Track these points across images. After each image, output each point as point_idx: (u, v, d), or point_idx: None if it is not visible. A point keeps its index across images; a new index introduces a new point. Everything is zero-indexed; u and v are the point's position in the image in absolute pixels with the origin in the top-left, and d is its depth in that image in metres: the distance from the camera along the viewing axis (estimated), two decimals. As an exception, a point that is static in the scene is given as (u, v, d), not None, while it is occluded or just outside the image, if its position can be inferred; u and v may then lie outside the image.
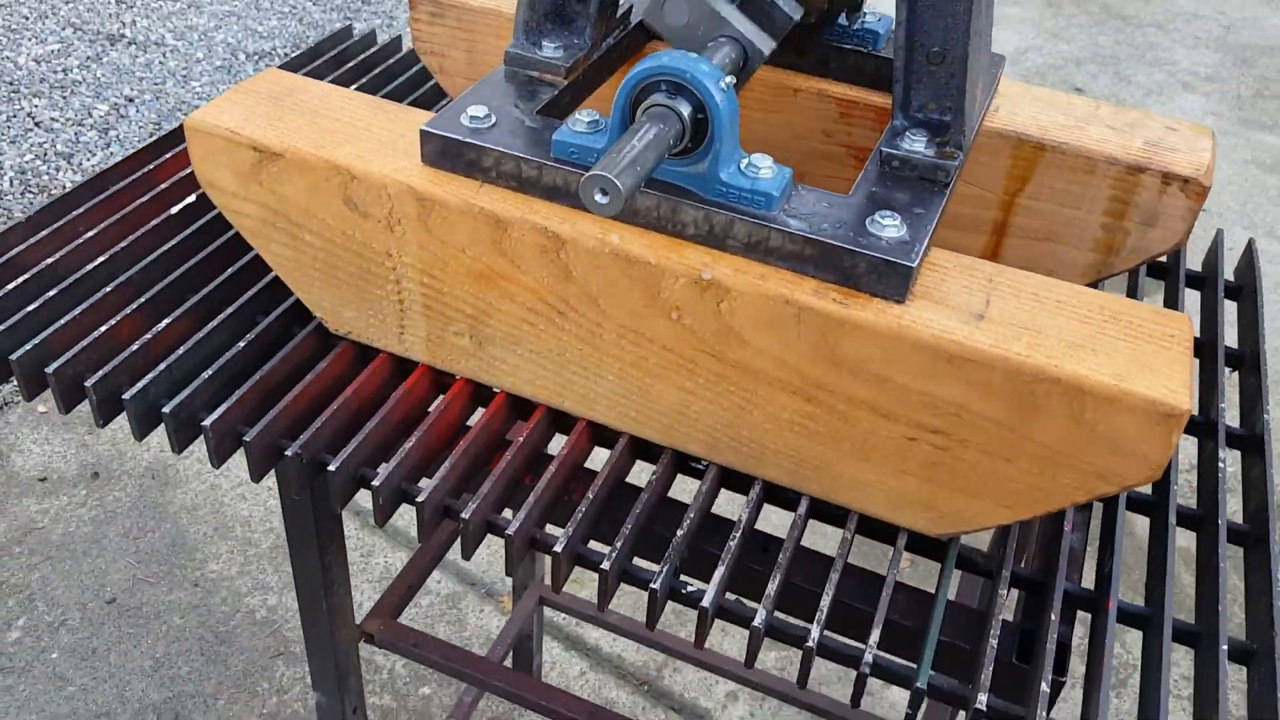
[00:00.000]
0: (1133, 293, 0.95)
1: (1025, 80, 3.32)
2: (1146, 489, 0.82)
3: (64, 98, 2.73)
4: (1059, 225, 0.86)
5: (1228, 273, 1.02)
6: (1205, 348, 0.95)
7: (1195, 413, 0.88)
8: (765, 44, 0.75)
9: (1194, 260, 2.06)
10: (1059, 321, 0.66)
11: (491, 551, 1.97)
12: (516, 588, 1.56)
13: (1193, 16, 3.77)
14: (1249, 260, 1.04)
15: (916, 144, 0.72)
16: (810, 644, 0.66)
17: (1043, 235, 0.87)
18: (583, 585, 1.88)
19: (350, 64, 1.15)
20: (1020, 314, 0.66)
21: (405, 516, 2.05)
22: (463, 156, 0.72)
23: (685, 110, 0.66)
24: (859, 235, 0.67)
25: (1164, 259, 1.01)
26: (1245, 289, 1.02)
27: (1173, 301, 0.97)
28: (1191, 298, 1.00)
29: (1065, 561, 0.74)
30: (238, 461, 2.06)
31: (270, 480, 1.59)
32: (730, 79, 0.67)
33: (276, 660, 1.75)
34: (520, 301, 0.75)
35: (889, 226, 0.67)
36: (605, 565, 0.70)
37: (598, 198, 0.61)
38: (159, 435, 2.07)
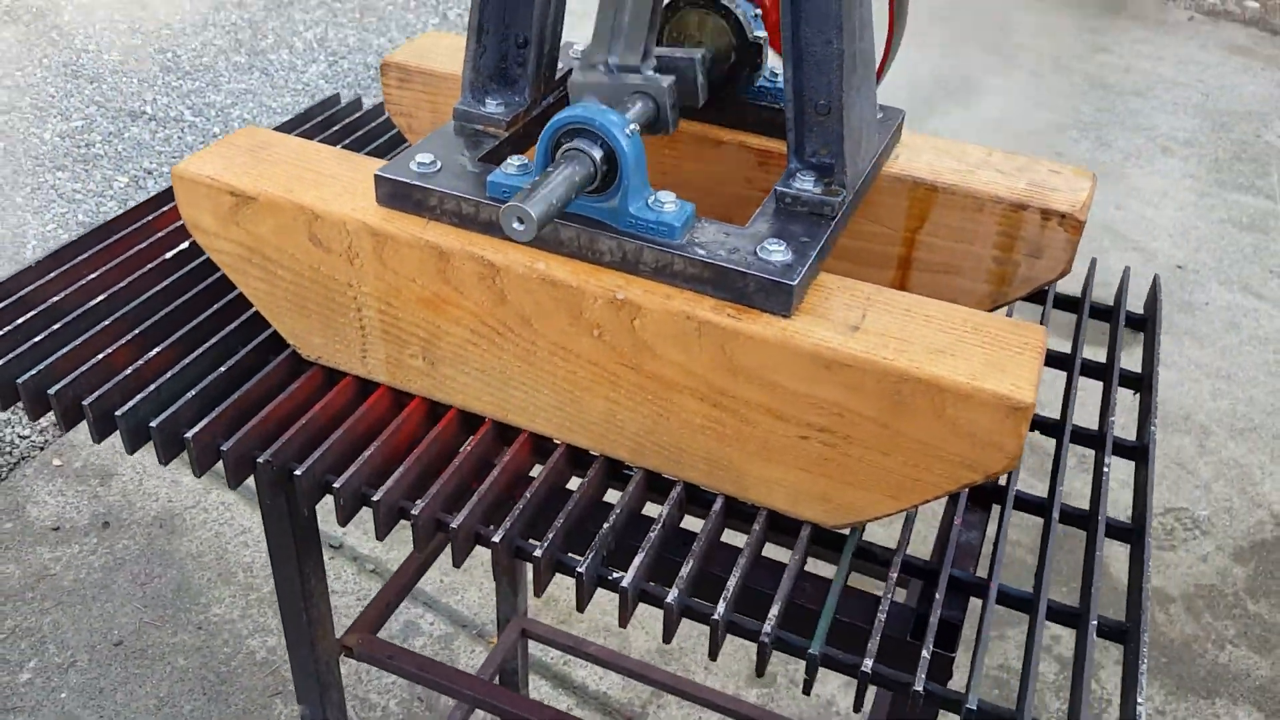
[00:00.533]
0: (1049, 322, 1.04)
1: (1007, 147, 3.44)
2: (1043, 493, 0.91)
3: (86, 170, 2.89)
4: (956, 259, 0.96)
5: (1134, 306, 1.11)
6: (1106, 370, 1.04)
7: (1080, 424, 0.96)
8: (673, 99, 0.86)
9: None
10: (925, 332, 0.75)
11: (484, 595, 2.05)
12: (501, 621, 1.64)
13: (1172, 84, 3.90)
14: (1153, 295, 1.14)
15: (806, 183, 0.82)
16: (716, 618, 0.75)
17: (942, 268, 0.97)
18: (571, 625, 1.95)
19: (337, 126, 1.27)
20: (891, 326, 0.75)
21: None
22: (411, 197, 0.83)
23: (597, 154, 0.77)
24: (750, 260, 0.76)
25: (1098, 296, 1.10)
26: (1148, 320, 1.11)
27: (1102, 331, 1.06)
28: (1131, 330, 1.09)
29: (953, 550, 0.82)
30: (240, 510, 2.16)
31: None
32: (635, 126, 0.77)
33: (275, 699, 1.82)
34: (464, 324, 0.85)
35: (776, 252, 0.77)
36: (538, 553, 0.79)
37: (515, 225, 0.71)
38: (166, 486, 2.17)
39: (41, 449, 2.23)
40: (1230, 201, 3.24)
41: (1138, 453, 0.96)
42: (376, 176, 0.83)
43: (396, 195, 0.83)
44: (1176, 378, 2.56)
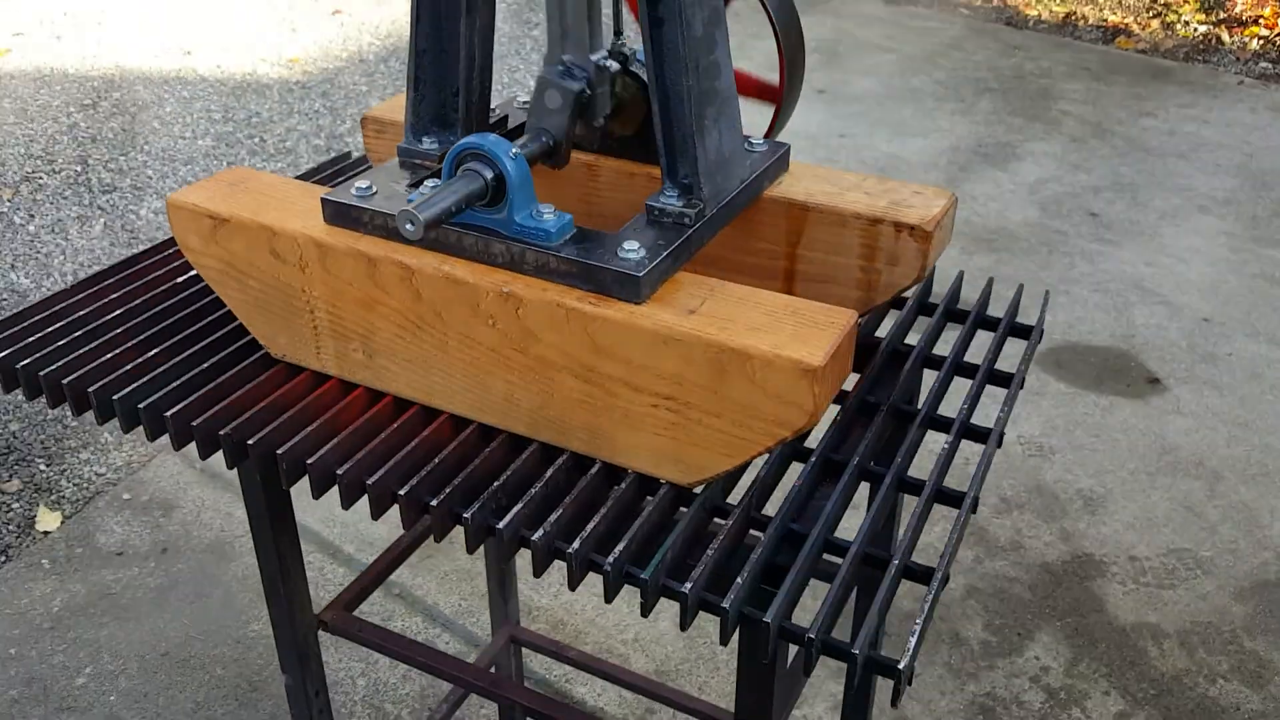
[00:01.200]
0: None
1: (1042, 208, 3.53)
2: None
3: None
4: (829, 269, 1.10)
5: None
6: (981, 368, 1.15)
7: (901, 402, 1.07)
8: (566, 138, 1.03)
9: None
10: (749, 314, 0.89)
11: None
12: (495, 629, 1.78)
13: (1216, 146, 3.95)
14: (1041, 313, 1.25)
15: (671, 199, 0.98)
16: (570, 552, 0.89)
17: (819, 278, 1.11)
18: (559, 630, 2.07)
19: (342, 177, 1.47)
20: (722, 310, 0.90)
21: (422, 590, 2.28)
22: (349, 215, 1.01)
23: (488, 173, 0.94)
24: (610, 257, 0.92)
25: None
26: (1034, 330, 1.23)
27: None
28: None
29: (755, 494, 0.93)
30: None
31: (308, 558, 1.86)
32: (517, 149, 0.94)
33: (300, 708, 1.98)
34: (392, 320, 1.01)
35: (631, 251, 0.92)
36: (434, 503, 0.94)
37: (407, 227, 0.89)
38: (220, 519, 2.38)
39: (114, 484, 2.47)
40: (1264, 257, 3.27)
41: (984, 435, 1.06)
42: (322, 199, 1.02)
43: (337, 214, 1.01)
44: (1192, 425, 2.60)
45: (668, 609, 2.10)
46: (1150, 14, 5.01)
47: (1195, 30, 4.88)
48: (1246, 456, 2.49)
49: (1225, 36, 4.83)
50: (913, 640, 0.82)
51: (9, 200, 3.42)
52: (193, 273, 1.25)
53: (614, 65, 1.06)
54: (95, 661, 2.06)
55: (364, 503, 0.97)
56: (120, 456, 2.52)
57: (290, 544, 1.24)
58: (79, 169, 3.63)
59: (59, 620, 2.15)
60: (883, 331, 1.17)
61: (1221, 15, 4.94)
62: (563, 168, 1.07)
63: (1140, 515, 2.33)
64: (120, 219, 3.36)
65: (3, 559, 2.29)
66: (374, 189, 1.02)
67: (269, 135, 3.93)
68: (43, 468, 2.49)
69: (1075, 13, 5.05)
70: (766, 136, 1.15)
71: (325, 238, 1.01)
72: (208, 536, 2.33)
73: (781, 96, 1.16)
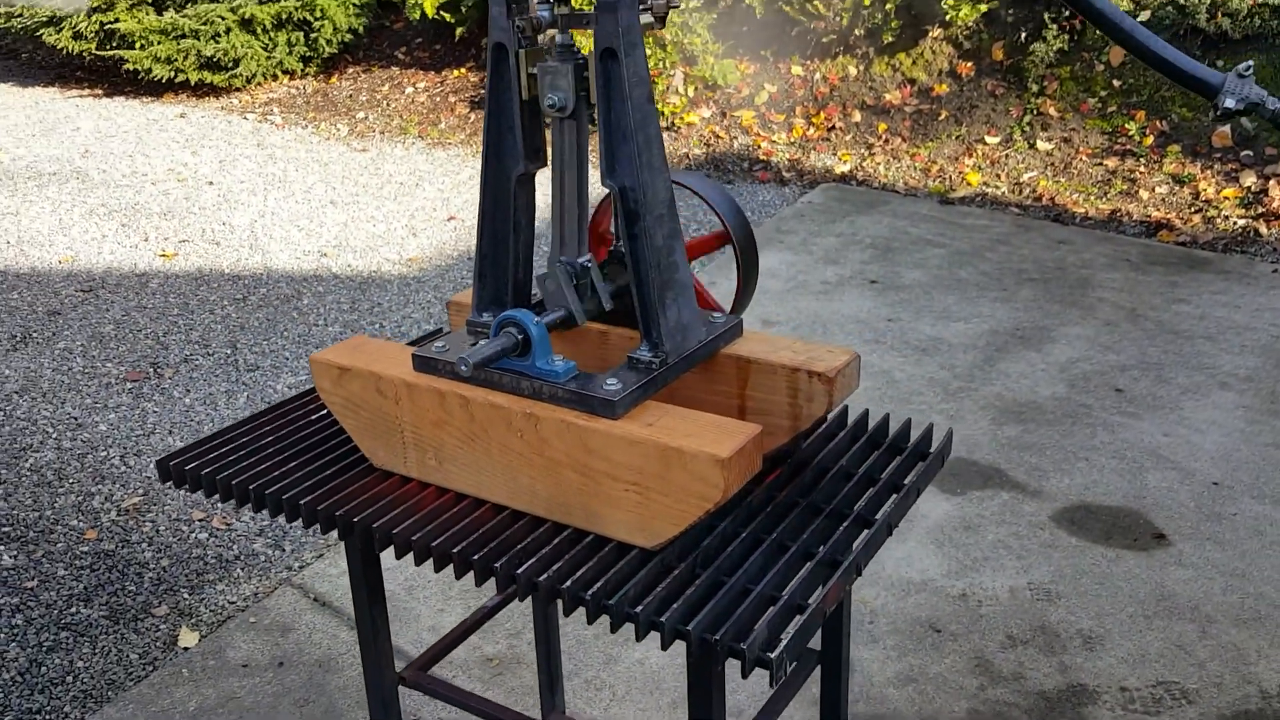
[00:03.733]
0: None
1: (1070, 384, 3.87)
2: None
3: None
4: (767, 405, 1.52)
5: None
6: (883, 479, 1.53)
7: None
8: (582, 315, 1.49)
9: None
10: (688, 427, 1.31)
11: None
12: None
13: (1244, 329, 4.25)
14: (942, 441, 1.63)
15: (644, 352, 1.43)
16: (563, 589, 1.29)
17: (761, 411, 1.52)
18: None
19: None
20: (670, 425, 1.32)
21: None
22: (428, 364, 1.48)
23: (519, 334, 1.40)
24: (598, 390, 1.36)
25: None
26: (934, 455, 1.61)
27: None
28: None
29: (699, 556, 1.32)
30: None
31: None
32: (539, 320, 1.40)
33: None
34: (454, 435, 1.47)
35: (611, 386, 1.36)
36: (476, 558, 1.36)
37: (461, 368, 1.35)
38: (328, 639, 2.81)
39: (243, 610, 2.93)
40: (1278, 428, 3.53)
41: (870, 524, 1.44)
42: (412, 354, 1.50)
43: (421, 364, 1.49)
44: (1192, 575, 2.85)
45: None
46: (1192, 209, 5.40)
47: (1234, 224, 5.24)
48: (1240, 603, 2.73)
49: (1263, 229, 5.18)
50: (786, 637, 1.19)
51: (170, 378, 4.07)
52: (324, 411, 1.73)
53: (590, 263, 1.52)
54: (220, 750, 2.47)
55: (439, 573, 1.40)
56: (249, 588, 2.99)
57: (380, 611, 1.67)
58: (229, 351, 4.28)
59: (194, 718, 2.58)
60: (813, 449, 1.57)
61: (1260, 210, 5.31)
62: (577, 329, 1.53)
63: (1134, 652, 2.58)
64: (260, 393, 3.96)
65: (150, 668, 2.75)
66: (446, 347, 1.50)
67: (387, 322, 4.57)
68: (186, 596, 2.98)
69: (1120, 209, 5.48)
70: (731, 313, 1.60)
71: (412, 379, 1.48)
72: (316, 653, 2.76)
73: (739, 288, 1.61)
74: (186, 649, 2.79)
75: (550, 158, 1.48)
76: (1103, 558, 2.93)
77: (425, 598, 2.86)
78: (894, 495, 1.49)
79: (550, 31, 1.39)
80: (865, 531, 1.40)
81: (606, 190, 1.43)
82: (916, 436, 1.61)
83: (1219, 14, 5.69)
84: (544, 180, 1.48)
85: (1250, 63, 1.08)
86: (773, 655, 1.18)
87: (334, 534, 2.86)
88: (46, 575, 2.99)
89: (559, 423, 1.36)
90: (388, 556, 2.93)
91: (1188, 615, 2.69)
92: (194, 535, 3.16)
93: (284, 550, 3.10)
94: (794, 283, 4.81)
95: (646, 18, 1.34)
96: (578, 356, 1.57)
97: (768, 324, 4.36)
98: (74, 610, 2.87)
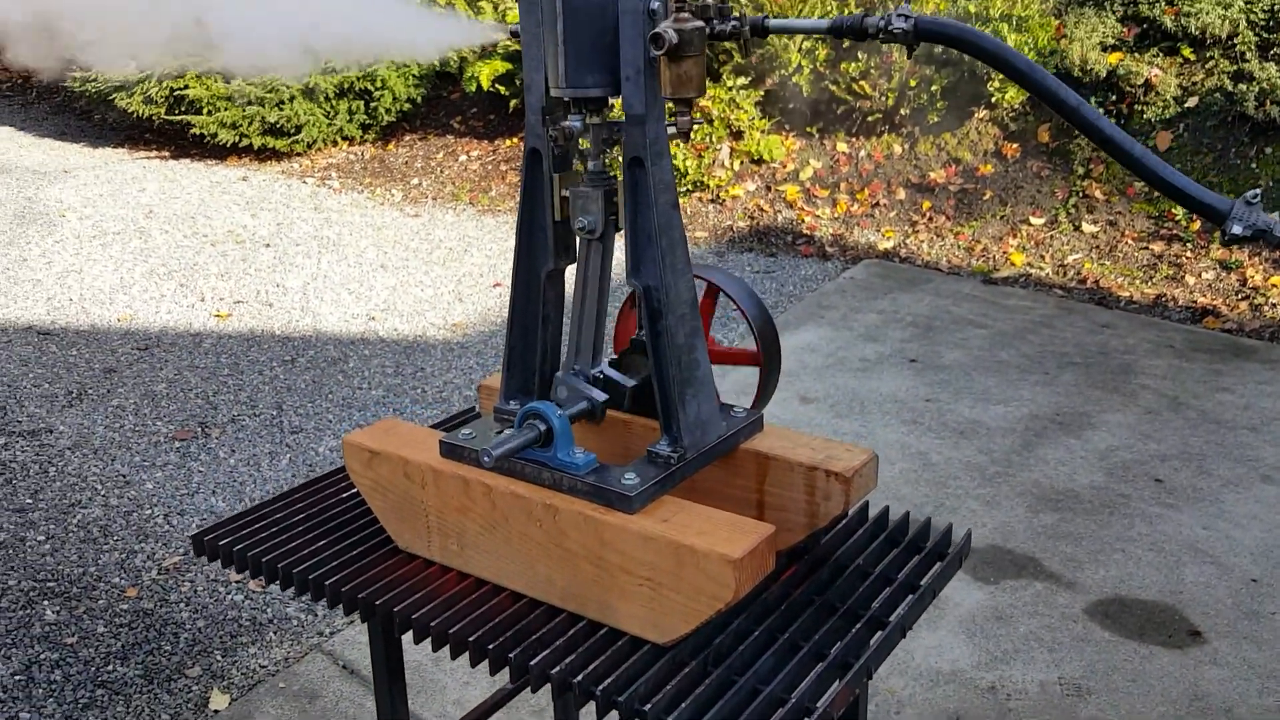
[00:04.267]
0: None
1: (1109, 473, 3.83)
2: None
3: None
4: (785, 501, 1.54)
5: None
6: (898, 579, 1.54)
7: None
8: (602, 406, 1.53)
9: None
10: (702, 524, 1.34)
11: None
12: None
13: (1290, 420, 4.18)
14: (960, 541, 1.64)
15: (663, 447, 1.46)
16: (574, 683, 1.31)
17: (779, 507, 1.55)
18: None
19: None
20: (685, 521, 1.35)
21: None
22: (455, 451, 1.52)
23: (543, 426, 1.44)
24: (615, 483, 1.39)
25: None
26: (952, 555, 1.61)
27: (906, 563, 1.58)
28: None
29: (710, 655, 1.34)
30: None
31: None
32: (562, 413, 1.45)
33: None
34: (477, 522, 1.50)
35: (628, 480, 1.39)
36: (491, 647, 1.39)
37: (484, 460, 1.39)
38: (354, 708, 2.83)
39: (273, 675, 2.97)
40: (1324, 524, 3.46)
41: (884, 625, 1.45)
42: (439, 441, 1.54)
43: (448, 451, 1.53)
44: (1227, 675, 2.80)
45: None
46: (1239, 296, 5.36)
47: (1282, 312, 5.18)
48: (1276, 705, 2.67)
49: (1313, 318, 5.11)
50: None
51: (217, 438, 4.16)
52: (354, 489, 1.78)
53: (603, 373, 1.56)
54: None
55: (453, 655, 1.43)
56: (280, 652, 3.04)
57: (399, 690, 1.69)
58: (275, 413, 4.38)
59: (218, 781, 2.61)
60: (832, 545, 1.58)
61: (1309, 298, 5.24)
62: (598, 424, 1.57)
63: (1166, 755, 2.53)
64: (303, 455, 4.04)
65: (180, 729, 2.80)
66: (473, 434, 1.54)
67: (429, 387, 4.65)
68: (219, 658, 3.02)
69: (1165, 294, 5.45)
70: (752, 408, 1.63)
71: (439, 465, 1.52)
72: (343, 721, 2.79)
73: (761, 384, 1.65)
74: (217, 712, 2.83)
75: (575, 272, 1.54)
76: (1136, 654, 2.88)
77: (451, 669, 2.88)
78: (910, 596, 1.50)
79: (582, 141, 1.45)
80: (879, 633, 1.41)
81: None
82: (936, 536, 1.63)
83: (1268, 101, 5.69)
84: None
85: (1258, 190, 1.10)
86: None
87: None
88: (87, 632, 3.05)
89: (577, 515, 1.40)
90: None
91: (1221, 717, 2.64)
92: (230, 597, 3.22)
93: (316, 615, 3.14)
94: (833, 359, 4.82)
95: (671, 130, 1.39)
96: (599, 444, 1.61)
97: (805, 400, 4.37)
98: (110, 668, 2.93)
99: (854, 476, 1.49)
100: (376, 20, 1.43)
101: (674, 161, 6.62)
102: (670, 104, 1.35)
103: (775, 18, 1.30)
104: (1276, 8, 5.91)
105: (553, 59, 1.39)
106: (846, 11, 6.64)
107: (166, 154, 8.43)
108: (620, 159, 1.42)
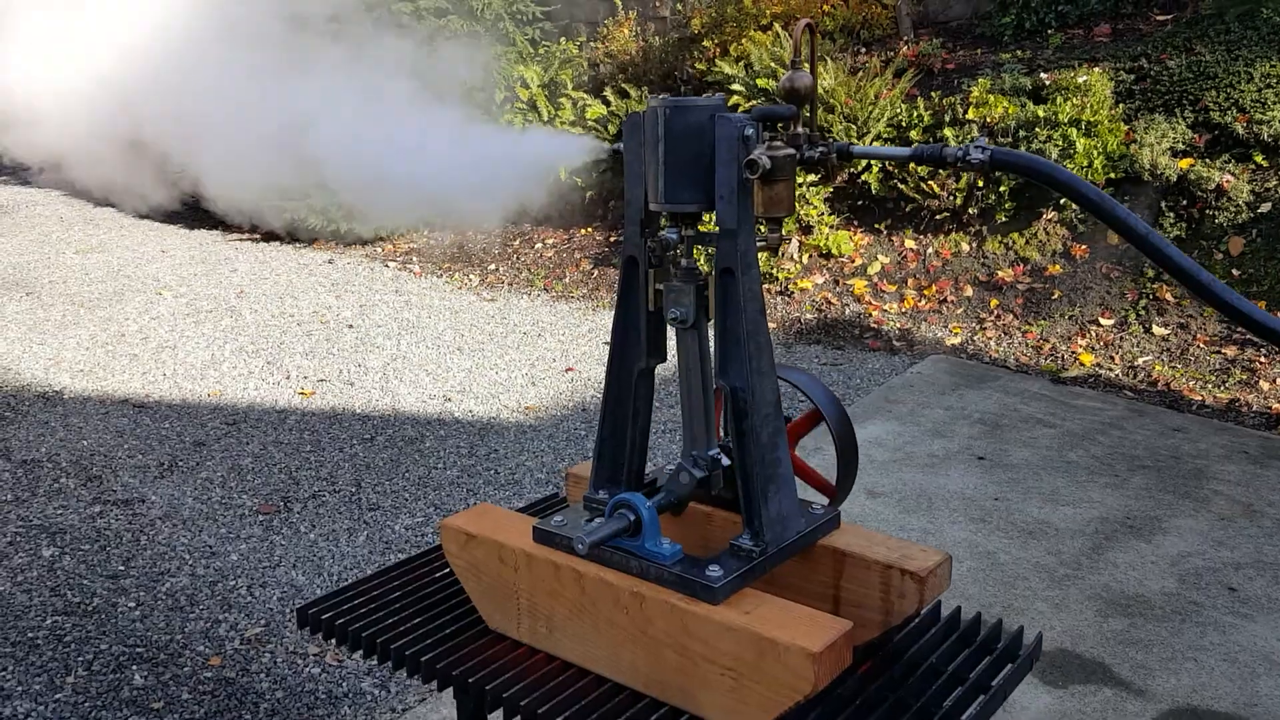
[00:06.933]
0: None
1: (1180, 579, 3.79)
2: None
3: (418, 550, 3.93)
4: (861, 598, 1.60)
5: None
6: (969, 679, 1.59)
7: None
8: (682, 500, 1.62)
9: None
10: (782, 617, 1.41)
11: None
12: None
13: (1371, 532, 4.11)
14: (1031, 644, 1.68)
15: (745, 540, 1.54)
16: (658, 766, 1.38)
17: (854, 604, 1.61)
18: None
19: (549, 512, 2.11)
20: (766, 614, 1.42)
21: None
22: (548, 537, 1.62)
23: (632, 516, 1.53)
24: (700, 574, 1.47)
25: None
26: (1023, 657, 1.65)
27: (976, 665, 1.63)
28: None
29: None
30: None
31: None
32: (651, 504, 1.54)
33: None
34: (566, 606, 1.59)
35: (714, 572, 1.47)
36: (578, 728, 1.46)
37: (578, 548, 1.48)
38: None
39: (347, 747, 3.04)
40: (1407, 642, 3.38)
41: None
42: (533, 527, 1.64)
43: (541, 537, 1.63)
44: (1307, 795, 2.74)
45: None
46: (1316, 403, 5.29)
47: (1362, 420, 5.10)
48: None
49: (1393, 427, 5.02)
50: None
51: (298, 513, 4.31)
52: (445, 569, 1.88)
53: (724, 459, 1.66)
54: None
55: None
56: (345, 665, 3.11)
57: (484, 765, 1.77)
58: (354, 489, 4.52)
59: None
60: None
61: (1390, 407, 5.16)
62: (681, 515, 1.65)
63: None
64: (379, 532, 4.17)
65: (256, 797, 2.87)
66: (565, 522, 1.64)
67: (502, 469, 4.76)
68: (295, 728, 3.11)
69: (1239, 399, 5.40)
70: (830, 504, 1.71)
71: (532, 550, 1.62)
72: (413, 797, 2.84)
73: (837, 486, 1.73)
74: (292, 781, 2.91)
75: (677, 364, 1.64)
76: (1211, 768, 2.84)
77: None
78: (981, 696, 1.55)
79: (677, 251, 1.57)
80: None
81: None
82: (1007, 638, 1.67)
83: (1343, 209, 5.67)
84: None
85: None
86: None
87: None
88: (172, 698, 3.16)
89: (662, 604, 1.48)
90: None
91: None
92: (308, 669, 3.32)
93: (389, 691, 3.22)
94: (900, 453, 4.85)
95: (761, 244, 1.50)
96: (683, 534, 1.69)
97: (873, 495, 4.40)
98: (193, 734, 3.03)
99: (929, 576, 1.55)
100: (495, 158, 1.57)
101: (744, 254, 6.77)
102: (762, 223, 1.46)
103: (859, 145, 1.41)
104: (1351, 116, 5.93)
105: (653, 177, 1.51)
106: (915, 116, 6.80)
107: (258, 236, 8.80)
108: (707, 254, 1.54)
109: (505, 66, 7.79)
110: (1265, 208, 5.98)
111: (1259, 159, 6.10)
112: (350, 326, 6.67)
